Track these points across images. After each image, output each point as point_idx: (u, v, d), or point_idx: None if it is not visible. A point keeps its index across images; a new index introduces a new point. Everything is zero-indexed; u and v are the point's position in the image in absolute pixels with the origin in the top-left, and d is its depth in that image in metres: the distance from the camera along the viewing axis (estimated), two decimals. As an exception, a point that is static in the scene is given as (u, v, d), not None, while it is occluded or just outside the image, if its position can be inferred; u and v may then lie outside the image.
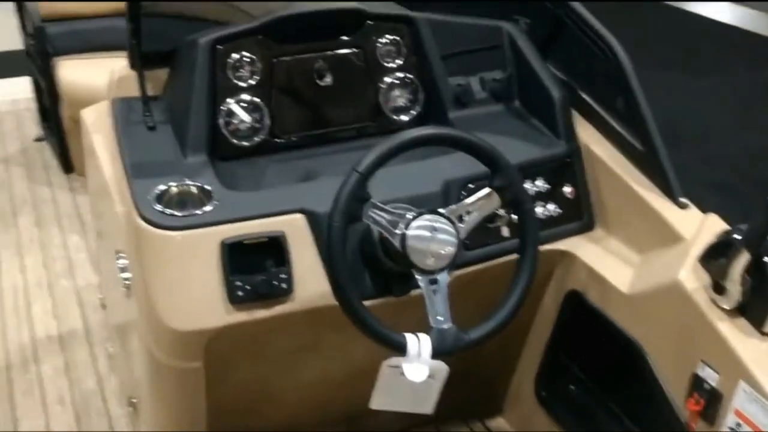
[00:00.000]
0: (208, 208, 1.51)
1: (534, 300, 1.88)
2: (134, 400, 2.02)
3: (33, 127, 4.23)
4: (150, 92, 1.84)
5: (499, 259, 1.68)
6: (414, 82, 1.88)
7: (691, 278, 1.49)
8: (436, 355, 1.37)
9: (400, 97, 1.88)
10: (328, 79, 1.80)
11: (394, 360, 1.38)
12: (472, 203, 1.46)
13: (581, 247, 1.77)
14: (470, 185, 1.64)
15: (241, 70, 1.73)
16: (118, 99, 1.82)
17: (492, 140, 1.76)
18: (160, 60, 1.83)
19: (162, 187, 1.54)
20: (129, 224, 1.55)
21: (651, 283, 1.59)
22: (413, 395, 1.42)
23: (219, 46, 1.71)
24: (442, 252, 1.40)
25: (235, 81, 1.73)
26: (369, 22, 1.82)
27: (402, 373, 1.37)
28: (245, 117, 1.73)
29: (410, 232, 1.38)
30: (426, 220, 1.40)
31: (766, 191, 1.65)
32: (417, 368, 1.37)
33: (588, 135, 1.82)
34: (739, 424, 1.37)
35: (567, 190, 1.78)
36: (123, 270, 1.67)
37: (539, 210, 1.74)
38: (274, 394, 1.82)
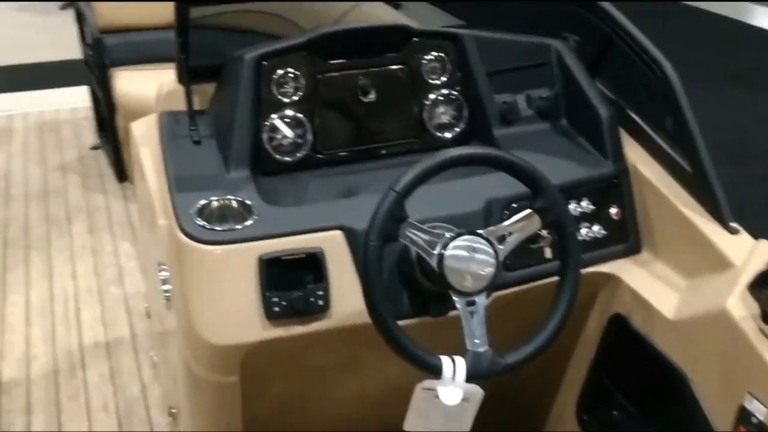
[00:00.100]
0: (247, 223, 1.52)
1: (577, 323, 1.84)
2: (174, 410, 2.04)
3: (90, 135, 4.33)
4: (198, 106, 1.87)
5: (541, 281, 1.65)
6: (459, 98, 1.86)
7: (740, 306, 1.44)
8: (470, 378, 1.35)
9: (444, 114, 1.87)
10: (372, 96, 1.79)
11: (428, 382, 1.36)
12: (512, 224, 1.43)
13: (626, 270, 1.72)
14: (514, 205, 1.62)
15: (285, 86, 1.74)
16: (165, 113, 1.85)
17: (537, 159, 1.74)
18: (208, 74, 1.85)
19: (203, 202, 1.55)
20: (170, 237, 1.57)
21: (697, 309, 1.55)
22: (447, 418, 1.40)
23: (264, 62, 1.72)
24: (480, 273, 1.38)
25: (279, 96, 1.73)
26: (415, 39, 1.82)
27: (436, 396, 1.35)
28: (288, 132, 1.74)
29: (448, 253, 1.36)
30: (464, 240, 1.38)
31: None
32: (451, 391, 1.35)
33: (636, 155, 1.78)
34: (787, 461, 1.32)
35: (613, 211, 1.74)
36: (164, 282, 1.69)
37: (584, 231, 1.71)
38: (309, 410, 1.82)
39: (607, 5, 1.80)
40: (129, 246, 3.30)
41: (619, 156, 1.77)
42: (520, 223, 1.43)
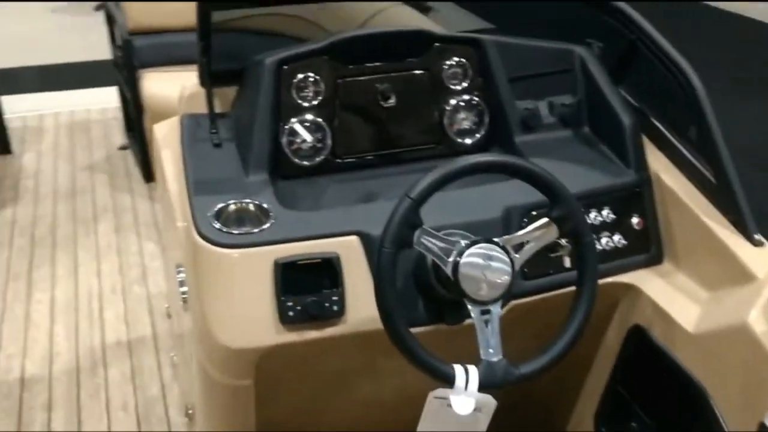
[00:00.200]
0: (264, 226, 1.52)
1: (596, 333, 1.82)
2: (191, 411, 2.04)
3: (119, 135, 4.38)
4: (220, 109, 1.87)
5: (560, 290, 1.63)
6: (480, 104, 1.85)
7: (762, 321, 1.41)
8: (483, 388, 1.34)
9: (465, 120, 1.85)
10: (392, 101, 1.78)
11: (441, 391, 1.35)
12: (529, 233, 1.42)
13: (647, 281, 1.70)
14: (533, 213, 1.60)
15: (305, 90, 1.74)
16: (187, 115, 1.86)
17: (558, 166, 1.73)
18: (230, 78, 1.86)
19: (221, 205, 1.56)
20: (187, 239, 1.57)
21: (718, 323, 1.52)
22: (460, 427, 1.38)
23: (284, 66, 1.72)
24: (496, 282, 1.36)
25: (299, 101, 1.73)
26: (436, 44, 1.81)
27: (449, 405, 1.34)
28: (308, 137, 1.74)
29: (463, 261, 1.35)
30: (480, 248, 1.36)
31: None
32: (463, 401, 1.33)
33: (659, 164, 1.75)
34: (807, 480, 1.29)
35: (635, 221, 1.71)
36: (182, 284, 1.70)
37: (604, 241, 1.68)
38: (323, 414, 1.81)
39: (631, 11, 1.77)
40: (154, 246, 3.33)
41: (641, 165, 1.74)
42: (537, 232, 1.42)
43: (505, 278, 1.37)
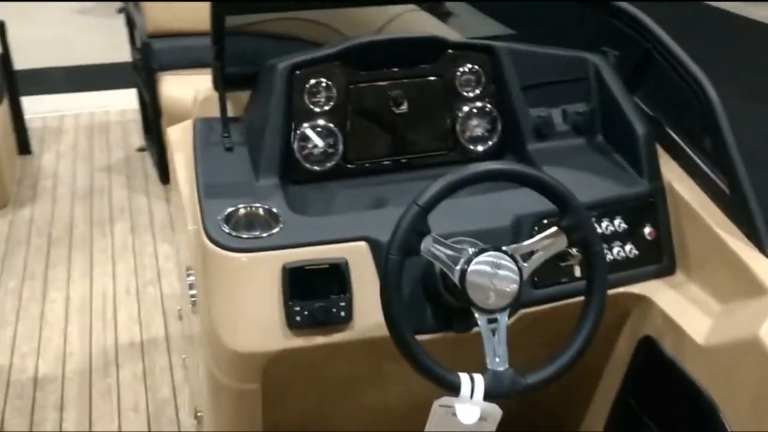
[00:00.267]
0: (273, 231, 1.52)
1: (607, 343, 1.80)
2: (199, 413, 2.05)
3: (138, 137, 4.41)
4: (233, 113, 1.88)
5: (570, 300, 1.62)
6: (492, 111, 1.84)
7: None
8: (489, 397, 1.33)
9: (477, 127, 1.85)
10: (404, 107, 1.78)
11: (446, 399, 1.34)
12: (538, 242, 1.41)
13: (658, 292, 1.68)
14: (544, 221, 1.59)
15: (317, 96, 1.74)
16: (200, 119, 1.86)
17: (570, 175, 1.72)
18: (243, 82, 1.86)
19: (230, 209, 1.56)
20: (197, 243, 1.57)
21: (729, 336, 1.50)
22: (465, 436, 1.38)
23: (297, 71, 1.72)
24: (503, 291, 1.35)
25: (311, 106, 1.73)
26: (449, 50, 1.80)
27: (454, 414, 1.33)
28: (319, 142, 1.74)
29: (470, 269, 1.34)
30: (488, 256, 1.35)
31: None
32: (469, 409, 1.32)
33: (672, 173, 1.74)
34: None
35: (647, 231, 1.70)
36: (191, 286, 1.70)
37: (615, 250, 1.67)
38: (330, 420, 1.81)
39: (646, 19, 1.76)
40: (168, 247, 3.35)
41: (655, 174, 1.73)
42: (546, 241, 1.41)
43: (513, 287, 1.36)
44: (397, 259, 1.32)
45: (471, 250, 1.36)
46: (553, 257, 1.46)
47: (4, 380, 2.57)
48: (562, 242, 1.41)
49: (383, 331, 1.44)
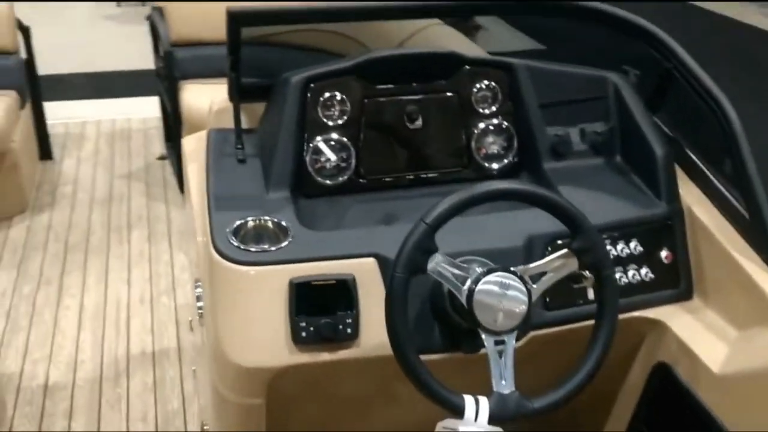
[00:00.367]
0: (282, 245, 1.52)
1: (620, 369, 1.78)
2: (206, 427, 2.05)
3: (158, 145, 4.45)
4: (248, 125, 1.89)
5: (583, 323, 1.60)
6: (509, 129, 1.84)
7: None
8: (493, 421, 1.32)
9: (493, 144, 1.84)
10: (418, 122, 1.78)
11: (450, 422, 1.33)
12: (547, 263, 1.40)
13: (674, 317, 1.66)
14: (558, 242, 1.58)
15: (331, 109, 1.74)
16: (215, 130, 1.88)
17: (586, 195, 1.71)
18: (259, 93, 1.87)
19: (239, 221, 1.57)
20: (205, 255, 1.58)
21: (746, 364, 1.48)
22: (468, 460, 1.36)
23: (311, 84, 1.73)
24: (511, 312, 1.35)
25: (325, 119, 1.74)
26: (466, 66, 1.80)
27: (457, 436, 1.32)
28: (332, 156, 1.74)
29: (478, 289, 1.33)
30: (496, 277, 1.34)
31: None
32: (472, 433, 1.31)
33: (691, 196, 1.72)
34: None
35: (663, 254, 1.68)
36: (198, 298, 1.71)
37: (630, 274, 1.65)
38: (335, 439, 1.81)
39: (668, 39, 1.75)
40: (184, 257, 3.37)
41: (673, 197, 1.71)
42: (556, 263, 1.40)
43: (522, 308, 1.35)
44: (402, 278, 1.32)
45: (479, 270, 1.35)
46: (566, 279, 1.45)
47: (15, 386, 2.59)
48: (572, 264, 1.40)
49: (390, 349, 1.44)
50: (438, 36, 2.56)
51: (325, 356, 1.50)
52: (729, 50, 5.66)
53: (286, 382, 1.54)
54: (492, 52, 2.18)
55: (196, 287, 1.73)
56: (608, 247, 1.63)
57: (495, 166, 1.84)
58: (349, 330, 1.48)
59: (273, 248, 1.51)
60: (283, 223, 1.57)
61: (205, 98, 3.54)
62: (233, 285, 1.50)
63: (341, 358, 1.50)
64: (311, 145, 1.73)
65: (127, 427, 2.43)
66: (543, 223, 1.59)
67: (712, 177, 1.69)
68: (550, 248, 1.57)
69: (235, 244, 1.52)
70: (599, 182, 1.78)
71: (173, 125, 3.92)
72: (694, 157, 1.74)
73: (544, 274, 1.40)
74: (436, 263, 1.35)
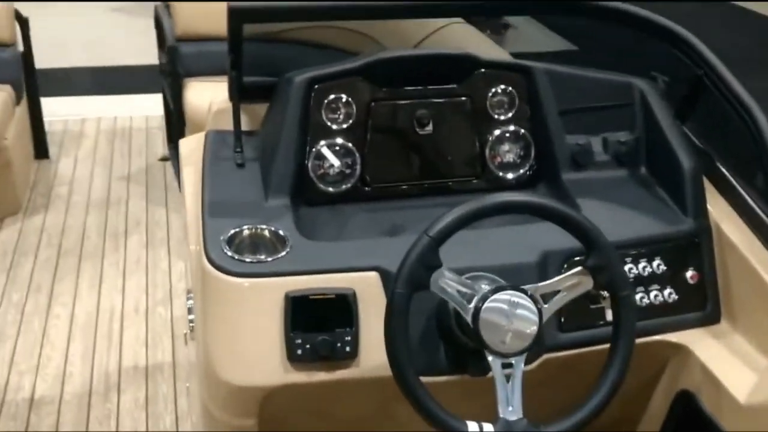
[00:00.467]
0: (279, 255, 1.53)
1: (641, 396, 1.77)
2: (198, 447, 2.06)
3: (160, 145, 4.48)
4: (250, 127, 1.90)
5: (600, 346, 1.60)
6: (526, 136, 1.83)
7: None
8: (498, 449, 1.32)
9: (508, 152, 1.84)
10: (429, 128, 1.78)
11: (451, 448, 1.33)
12: (560, 281, 1.40)
13: (699, 342, 1.65)
14: (576, 259, 1.57)
15: (336, 112, 1.75)
16: (213, 131, 1.89)
17: (607, 209, 1.70)
18: (261, 94, 1.88)
19: (234, 230, 1.57)
20: (197, 264, 1.59)
21: (774, 395, 1.47)
22: (470, 490, 1.36)
23: (316, 85, 1.73)
24: (520, 333, 1.34)
25: (329, 123, 1.74)
26: (481, 69, 1.80)
27: (459, 464, 1.32)
28: (335, 161, 1.75)
29: (485, 307, 1.33)
30: (505, 295, 1.35)
31: None
32: (475, 462, 1.31)
33: (721, 212, 1.71)
34: None
35: (689, 274, 1.67)
36: (190, 311, 1.72)
37: (653, 294, 1.64)
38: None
39: (699, 44, 1.74)
40: (183, 265, 3.38)
41: (700, 212, 1.70)
42: (570, 281, 1.39)
43: (532, 329, 1.35)
44: (403, 294, 1.32)
45: (486, 288, 1.35)
46: (583, 299, 1.45)
47: None
48: (587, 283, 1.40)
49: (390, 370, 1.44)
50: (458, 35, 2.56)
51: (322, 375, 1.50)
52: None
53: (280, 401, 1.54)
54: (516, 53, 2.18)
55: (188, 299, 1.74)
56: (629, 266, 1.62)
57: (510, 175, 1.84)
58: (347, 348, 1.48)
59: (269, 259, 1.52)
60: (281, 232, 1.58)
61: (210, 97, 3.60)
62: (225, 297, 1.51)
63: (338, 378, 1.50)
64: (314, 149, 1.74)
65: (115, 445, 2.45)
66: (560, 238, 1.58)
67: (743, 191, 1.68)
68: (566, 265, 1.56)
69: (229, 253, 1.52)
70: (621, 195, 1.77)
71: (176, 125, 3.94)
72: (724, 170, 1.73)
73: (557, 293, 1.40)
74: (440, 279, 1.35)
